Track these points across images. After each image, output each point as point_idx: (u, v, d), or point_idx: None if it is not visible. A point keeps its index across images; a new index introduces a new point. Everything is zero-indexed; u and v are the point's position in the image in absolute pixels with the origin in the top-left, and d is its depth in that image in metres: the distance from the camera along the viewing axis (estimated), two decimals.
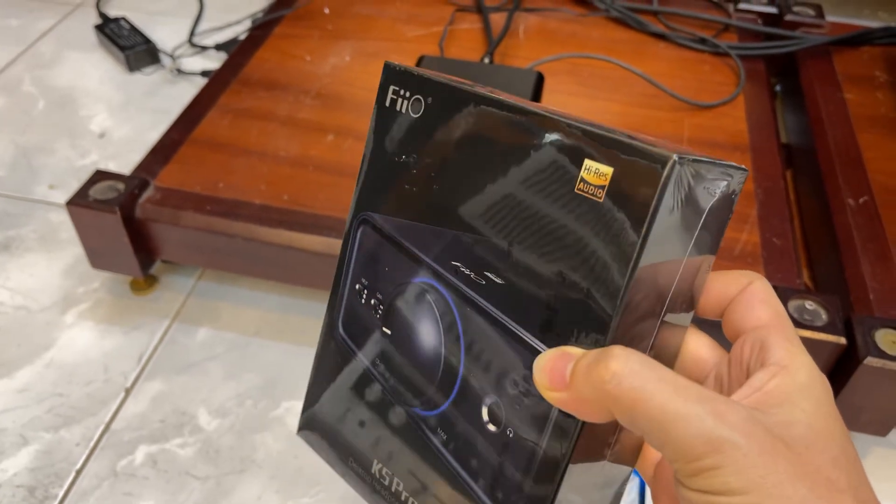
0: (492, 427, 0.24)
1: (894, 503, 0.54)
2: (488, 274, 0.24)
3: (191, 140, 0.66)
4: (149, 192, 0.60)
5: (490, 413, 0.25)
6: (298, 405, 0.59)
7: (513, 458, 0.24)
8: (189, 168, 0.63)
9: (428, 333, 0.27)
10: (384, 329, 0.28)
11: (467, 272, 0.25)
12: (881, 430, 0.54)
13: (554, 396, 0.22)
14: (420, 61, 0.65)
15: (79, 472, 0.55)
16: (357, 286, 0.30)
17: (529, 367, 0.23)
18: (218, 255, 0.61)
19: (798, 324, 0.51)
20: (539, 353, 0.23)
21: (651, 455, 0.29)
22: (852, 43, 0.79)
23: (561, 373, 0.22)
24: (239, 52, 0.77)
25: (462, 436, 0.25)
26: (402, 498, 0.28)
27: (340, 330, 0.30)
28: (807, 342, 0.51)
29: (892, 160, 0.65)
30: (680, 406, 0.20)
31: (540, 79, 0.64)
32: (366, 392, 0.29)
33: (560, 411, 0.22)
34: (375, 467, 0.29)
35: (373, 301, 0.29)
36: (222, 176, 0.62)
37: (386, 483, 0.29)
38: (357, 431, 0.30)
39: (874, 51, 0.79)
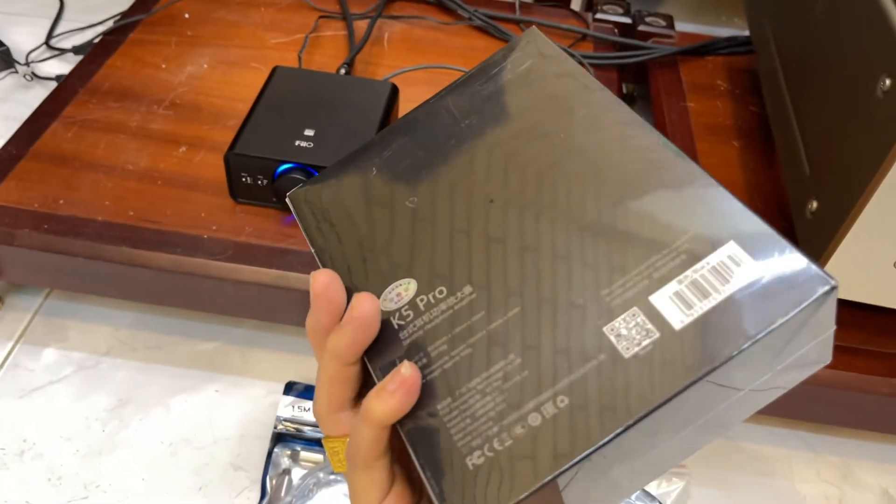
0: None
1: (726, 492, 0.58)
2: None
3: (31, 154, 0.63)
4: None
5: None
6: (149, 424, 0.58)
7: None
8: (27, 184, 0.60)
9: None
10: None
11: None
12: None
13: None
14: (273, 73, 0.65)
15: None
16: None
17: None
18: (60, 275, 0.59)
19: None
20: None
21: None
22: (698, 53, 0.84)
23: None
24: (89, 59, 0.74)
25: None
26: None
27: None
28: None
29: (726, 167, 0.70)
30: None
31: (394, 91, 0.65)
32: None
33: None
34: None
35: None
36: (63, 192, 0.60)
37: None
38: None
39: (718, 60, 0.84)
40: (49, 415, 0.58)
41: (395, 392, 0.26)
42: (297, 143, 0.58)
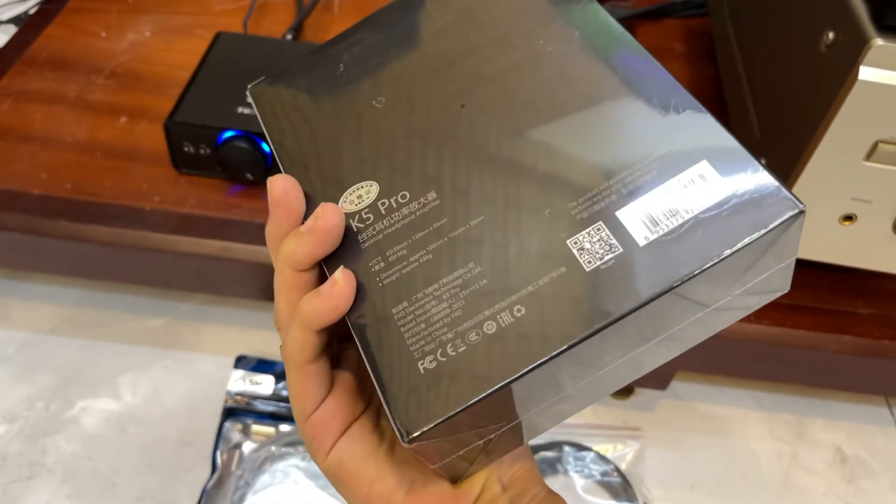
0: None
1: (680, 453, 0.58)
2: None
3: None
4: None
5: None
6: (95, 403, 0.57)
7: None
8: None
9: None
10: None
11: None
12: (661, 385, 0.58)
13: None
14: (216, 39, 0.63)
15: None
16: None
17: None
18: None
19: None
20: None
21: None
22: (655, 15, 0.83)
23: None
24: (25, 29, 0.71)
25: None
26: None
27: None
28: None
29: None
30: None
31: None
32: None
33: None
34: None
35: None
36: None
37: None
38: None
39: (675, 23, 0.83)
40: None
41: (323, 295, 0.25)
42: (239, 110, 0.57)
